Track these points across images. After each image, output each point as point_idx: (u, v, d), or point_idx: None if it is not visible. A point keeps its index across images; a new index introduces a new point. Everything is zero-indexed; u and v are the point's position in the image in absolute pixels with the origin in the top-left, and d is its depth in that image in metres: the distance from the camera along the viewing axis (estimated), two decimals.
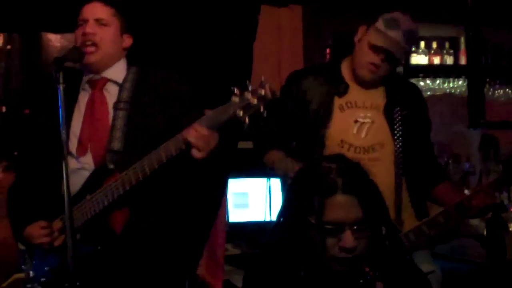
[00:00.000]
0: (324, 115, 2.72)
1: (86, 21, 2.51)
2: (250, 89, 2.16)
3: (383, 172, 2.59)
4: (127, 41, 2.59)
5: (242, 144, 3.44)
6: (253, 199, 4.05)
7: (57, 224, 2.44)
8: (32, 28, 3.69)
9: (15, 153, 2.98)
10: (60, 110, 2.14)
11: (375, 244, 1.78)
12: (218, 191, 3.43)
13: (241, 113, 2.16)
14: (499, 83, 4.88)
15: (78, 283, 2.05)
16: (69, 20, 2.60)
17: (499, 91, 4.88)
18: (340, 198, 1.73)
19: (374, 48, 2.67)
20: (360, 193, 1.74)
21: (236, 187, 4.03)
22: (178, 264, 2.60)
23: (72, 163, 2.41)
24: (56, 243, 2.43)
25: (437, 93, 4.91)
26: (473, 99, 4.51)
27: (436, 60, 4.90)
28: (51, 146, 2.40)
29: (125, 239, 2.42)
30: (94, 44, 2.49)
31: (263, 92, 2.14)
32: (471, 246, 3.56)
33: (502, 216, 3.46)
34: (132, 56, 2.64)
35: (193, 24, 3.34)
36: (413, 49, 4.71)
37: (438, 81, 4.94)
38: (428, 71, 4.90)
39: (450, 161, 4.40)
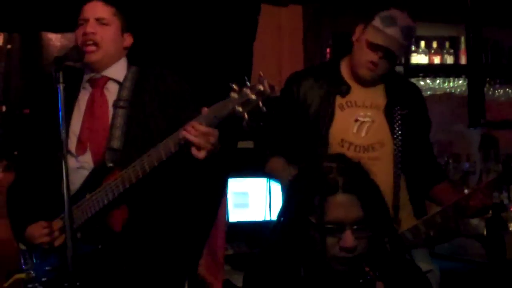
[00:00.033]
0: (327, 115, 2.72)
1: (86, 20, 2.51)
2: (248, 85, 2.15)
3: (382, 171, 2.59)
4: (128, 40, 2.60)
5: (242, 144, 3.43)
6: (253, 199, 4.04)
7: (57, 223, 2.43)
8: (32, 27, 3.67)
9: (15, 152, 2.98)
10: (60, 109, 2.14)
11: (376, 243, 1.78)
12: (218, 191, 3.42)
13: (240, 109, 2.16)
14: (499, 82, 4.89)
15: (78, 283, 2.06)
16: (69, 20, 2.61)
17: (499, 90, 4.88)
18: (340, 197, 1.73)
19: (372, 46, 2.66)
20: (360, 192, 1.74)
21: (236, 187, 4.02)
22: (178, 263, 2.60)
23: (72, 162, 2.41)
24: (57, 243, 2.42)
25: (437, 93, 4.91)
26: (473, 98, 4.51)
27: (436, 60, 4.90)
28: (51, 145, 2.40)
29: (125, 238, 2.42)
30: (95, 44, 2.49)
31: (261, 87, 2.13)
32: (471, 246, 3.55)
33: (502, 216, 3.47)
34: (132, 55, 2.64)
35: (193, 24, 3.33)
36: (413, 48, 4.71)
37: (438, 81, 4.93)
38: (428, 70, 4.90)
39: (450, 161, 4.40)
